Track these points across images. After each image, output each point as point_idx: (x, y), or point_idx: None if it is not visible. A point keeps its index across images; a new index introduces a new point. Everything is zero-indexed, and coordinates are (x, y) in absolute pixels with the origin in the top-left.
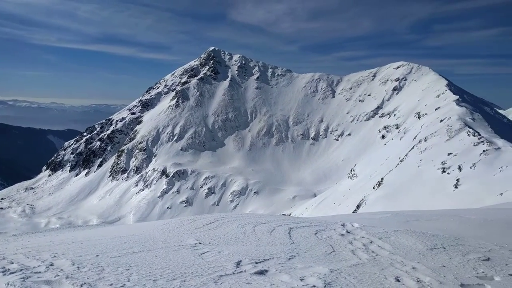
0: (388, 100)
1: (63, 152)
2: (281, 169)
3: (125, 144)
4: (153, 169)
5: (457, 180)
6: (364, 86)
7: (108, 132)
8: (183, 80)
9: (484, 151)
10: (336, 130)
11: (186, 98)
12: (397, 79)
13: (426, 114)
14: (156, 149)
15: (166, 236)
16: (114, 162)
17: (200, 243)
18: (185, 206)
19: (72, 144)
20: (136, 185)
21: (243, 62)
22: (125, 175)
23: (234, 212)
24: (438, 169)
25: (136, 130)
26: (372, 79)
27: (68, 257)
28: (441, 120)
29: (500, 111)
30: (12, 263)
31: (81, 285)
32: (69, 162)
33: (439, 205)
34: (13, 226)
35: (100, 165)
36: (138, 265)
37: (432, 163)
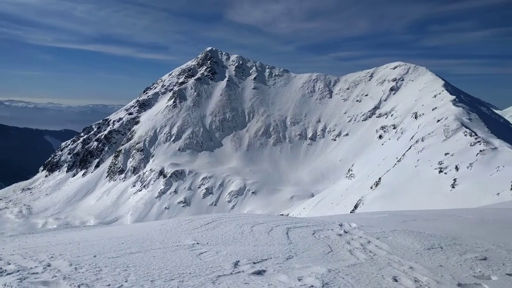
0: (385, 100)
1: (60, 153)
2: (279, 169)
3: (123, 145)
4: (150, 169)
5: (454, 180)
6: (361, 86)
7: (105, 132)
8: (180, 80)
9: (480, 151)
10: (334, 130)
11: (183, 98)
12: (394, 79)
13: (423, 114)
14: (154, 150)
15: (164, 237)
16: (112, 162)
17: (198, 244)
18: (182, 206)
19: (69, 145)
20: (134, 186)
21: (241, 62)
22: (123, 175)
23: (232, 212)
24: (435, 169)
25: (134, 130)
26: (369, 79)
27: (65, 258)
28: (438, 120)
29: (497, 111)
30: (9, 264)
31: (79, 286)
32: (66, 162)
33: (436, 205)
34: (10, 227)
35: (97, 166)
36: (136, 265)
37: (429, 163)
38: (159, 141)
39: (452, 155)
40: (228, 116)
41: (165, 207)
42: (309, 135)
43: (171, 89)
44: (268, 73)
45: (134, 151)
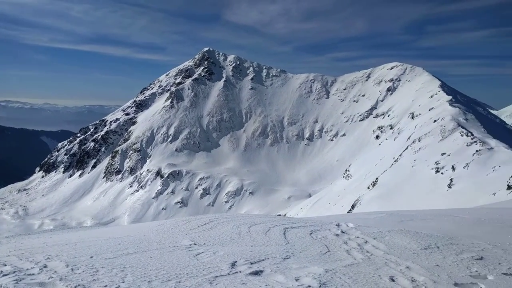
0: (382, 101)
1: (56, 153)
2: (276, 170)
3: (119, 145)
4: (147, 170)
5: (451, 180)
6: (358, 86)
7: (102, 133)
8: (177, 81)
9: (477, 151)
10: (331, 131)
11: (180, 99)
12: (391, 80)
13: (419, 114)
14: (151, 150)
15: (161, 237)
16: (108, 163)
17: (195, 244)
18: (180, 207)
19: (65, 145)
20: (131, 186)
21: (238, 62)
22: (120, 176)
23: (229, 212)
24: (432, 169)
25: (131, 131)
26: (366, 80)
27: (62, 259)
28: (435, 121)
29: (493, 112)
30: (5, 265)
31: (75, 287)
32: (63, 163)
33: (433, 205)
34: (6, 228)
35: (94, 166)
36: (133, 266)
37: (426, 163)
38: (156, 141)
39: (449, 155)
40: (225, 116)
41: (162, 208)
42: (306, 135)
43: (168, 90)
44: (265, 74)
45: (131, 151)
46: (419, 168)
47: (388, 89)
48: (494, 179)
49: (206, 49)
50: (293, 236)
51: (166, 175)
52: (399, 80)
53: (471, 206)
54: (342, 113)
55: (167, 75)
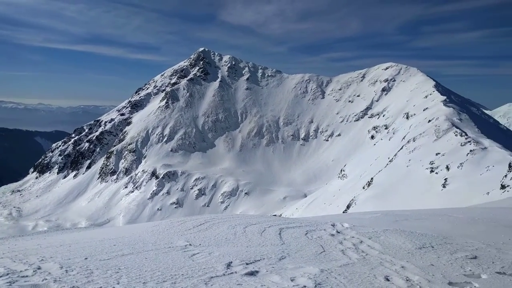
0: (377, 101)
1: (50, 154)
2: (272, 170)
3: (114, 146)
4: (142, 170)
5: (445, 179)
6: (354, 87)
7: (97, 133)
8: (172, 81)
9: (471, 151)
10: (326, 131)
11: (175, 99)
12: (386, 80)
13: (414, 114)
14: (146, 151)
15: (156, 238)
16: (103, 163)
17: (190, 245)
18: (175, 207)
19: (60, 146)
20: (126, 187)
21: (233, 63)
22: (115, 176)
23: (224, 213)
24: (427, 169)
25: (126, 131)
26: (361, 80)
27: (56, 260)
28: (429, 121)
29: (487, 112)
30: None
31: None
32: (57, 164)
33: (427, 205)
34: None
35: (88, 167)
36: (128, 267)
37: (420, 163)
38: (151, 142)
39: (443, 155)
40: (220, 116)
41: (158, 208)
42: (302, 135)
43: (163, 90)
44: (260, 74)
45: (126, 152)
46: (413, 168)
47: (383, 89)
48: (487, 178)
49: (201, 49)
50: (288, 237)
51: (162, 175)
52: (394, 80)
53: (465, 206)
54: (337, 113)
55: (162, 75)
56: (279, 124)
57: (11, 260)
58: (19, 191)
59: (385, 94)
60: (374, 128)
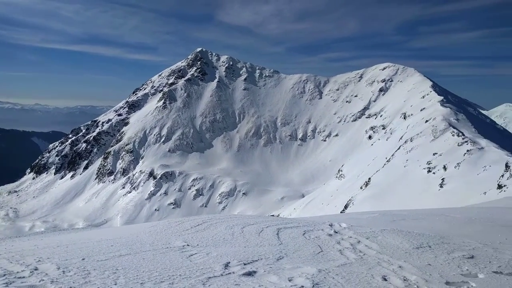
0: (374, 101)
1: (47, 155)
2: (269, 170)
3: (112, 146)
4: (140, 171)
5: (442, 179)
6: (351, 87)
7: (94, 133)
8: (170, 81)
9: (468, 151)
10: (324, 131)
11: (173, 99)
12: (383, 80)
13: (411, 114)
14: (143, 151)
15: (154, 239)
16: (101, 164)
17: (188, 245)
18: (173, 208)
19: (57, 146)
20: (123, 187)
21: (231, 63)
22: (112, 177)
23: (222, 213)
24: (424, 169)
25: (123, 131)
26: (359, 80)
27: (53, 261)
28: (426, 121)
29: (483, 112)
30: None
31: None
32: (54, 164)
33: (425, 204)
34: None
35: (86, 167)
36: (125, 268)
37: (418, 163)
38: (149, 142)
39: (440, 155)
40: (218, 117)
41: (155, 209)
42: (300, 135)
43: (161, 90)
44: (258, 74)
45: (124, 152)
46: (411, 168)
47: (381, 90)
48: (484, 178)
49: (199, 49)
50: (286, 237)
51: (159, 176)
52: (391, 81)
53: (462, 206)
54: (335, 114)
55: (159, 75)
56: (277, 124)
57: (8, 261)
58: (16, 191)
59: (383, 94)
60: (372, 128)
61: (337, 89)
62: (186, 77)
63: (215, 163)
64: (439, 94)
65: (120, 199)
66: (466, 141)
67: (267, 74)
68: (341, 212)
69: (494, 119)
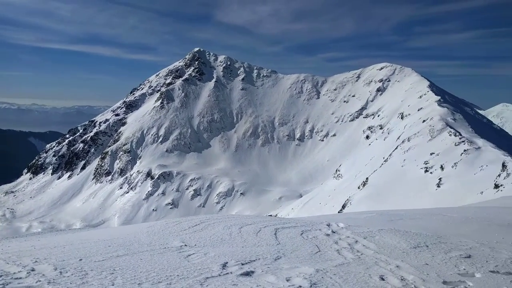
0: (372, 101)
1: (44, 155)
2: (267, 170)
3: (109, 146)
4: (137, 171)
5: (440, 179)
6: (349, 87)
7: (92, 134)
8: (167, 81)
9: (465, 150)
10: (321, 131)
11: (171, 99)
12: (381, 80)
13: (409, 114)
14: (141, 151)
15: (151, 239)
16: (98, 164)
17: (185, 245)
18: (170, 208)
19: (54, 147)
20: (121, 188)
21: (228, 63)
22: (109, 177)
23: (220, 213)
24: (421, 168)
25: (120, 131)
26: (356, 80)
27: (50, 262)
28: (424, 121)
29: (480, 112)
30: None
31: None
32: (51, 164)
33: (422, 204)
34: None
35: (83, 168)
36: (123, 268)
37: (415, 163)
38: (146, 142)
39: (438, 155)
40: (216, 117)
41: (153, 209)
42: (297, 135)
43: (159, 90)
44: (256, 74)
45: (121, 152)
46: (408, 168)
47: (378, 90)
48: (481, 178)
49: (196, 49)
50: (284, 237)
51: (157, 176)
52: (389, 81)
53: (459, 205)
54: (332, 114)
55: (157, 75)
56: (275, 124)
57: (4, 262)
58: (12, 192)
59: (380, 94)
60: (369, 128)
61: (335, 89)
62: (184, 77)
63: (213, 163)
64: (436, 94)
65: (117, 199)
66: (463, 141)
67: (264, 74)
68: (338, 212)
69: (491, 119)
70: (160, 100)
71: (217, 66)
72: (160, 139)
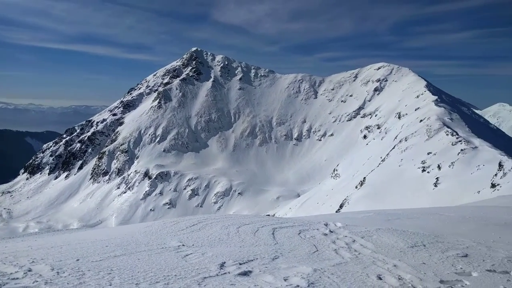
0: (369, 101)
1: (41, 155)
2: (265, 170)
3: (107, 146)
4: (135, 171)
5: (437, 178)
6: (346, 86)
7: (89, 133)
8: (165, 81)
9: (462, 150)
10: (319, 131)
11: (168, 99)
12: (378, 80)
13: (406, 114)
14: (138, 151)
15: (149, 239)
16: (95, 164)
17: (183, 245)
18: (168, 208)
19: (51, 146)
20: (118, 188)
21: (226, 62)
22: (107, 177)
23: (218, 213)
24: (418, 168)
25: (118, 131)
26: (354, 80)
27: (47, 262)
28: (421, 120)
29: (477, 111)
30: None
31: None
32: (48, 164)
33: (419, 204)
34: None
35: (80, 168)
36: (120, 268)
37: (412, 162)
38: (144, 142)
39: (435, 155)
40: (213, 116)
41: (150, 209)
42: (295, 135)
43: (156, 90)
44: (253, 74)
45: (118, 152)
46: (405, 168)
47: (375, 89)
48: (478, 177)
49: (194, 49)
50: (281, 236)
51: (154, 176)
52: (386, 80)
53: (456, 205)
54: (330, 113)
55: (154, 75)
56: (272, 124)
57: (1, 262)
58: (9, 192)
59: (377, 94)
60: (367, 127)
61: (332, 89)
62: (181, 77)
63: (211, 163)
64: (433, 94)
65: (115, 199)
66: (460, 141)
67: (262, 74)
68: (336, 212)
69: (488, 118)
70: (158, 100)
71: (215, 65)
72: (158, 139)
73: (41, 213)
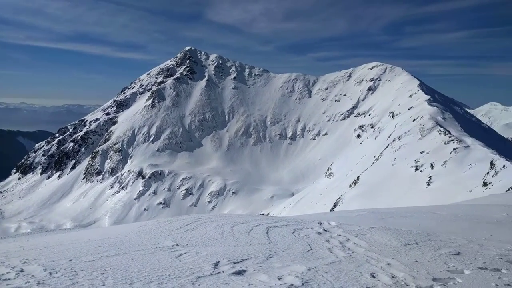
0: (363, 100)
1: (33, 154)
2: (259, 169)
3: (100, 145)
4: (129, 170)
5: (430, 177)
6: (340, 86)
7: (82, 133)
8: (159, 80)
9: (454, 149)
10: (313, 130)
11: (162, 98)
12: (372, 79)
13: (399, 113)
14: (132, 150)
15: (143, 239)
16: (88, 163)
17: (177, 245)
18: (162, 207)
19: (43, 146)
20: (112, 187)
21: (220, 62)
22: (100, 177)
23: (212, 213)
24: (412, 167)
25: (111, 131)
26: (348, 80)
27: (39, 263)
28: (414, 120)
29: (469, 111)
30: None
31: None
32: (40, 164)
33: (412, 202)
34: None
35: (73, 167)
36: (114, 268)
37: (405, 161)
38: (138, 141)
39: (428, 154)
40: (207, 116)
41: (144, 209)
42: (289, 134)
43: (150, 89)
44: (247, 73)
45: (112, 152)
46: (399, 166)
47: (369, 89)
48: (470, 176)
49: (188, 48)
50: (276, 235)
51: (148, 175)
52: (380, 80)
53: (449, 203)
54: (324, 113)
55: (148, 74)
56: (266, 123)
57: None
58: (1, 192)
59: (371, 94)
60: (360, 127)
61: (326, 88)
62: (175, 76)
63: (205, 162)
64: (426, 93)
65: (108, 199)
66: (452, 140)
67: (256, 73)
68: (330, 210)
69: (480, 117)
70: (151, 99)
71: (209, 65)
72: (151, 138)
73: (33, 213)
